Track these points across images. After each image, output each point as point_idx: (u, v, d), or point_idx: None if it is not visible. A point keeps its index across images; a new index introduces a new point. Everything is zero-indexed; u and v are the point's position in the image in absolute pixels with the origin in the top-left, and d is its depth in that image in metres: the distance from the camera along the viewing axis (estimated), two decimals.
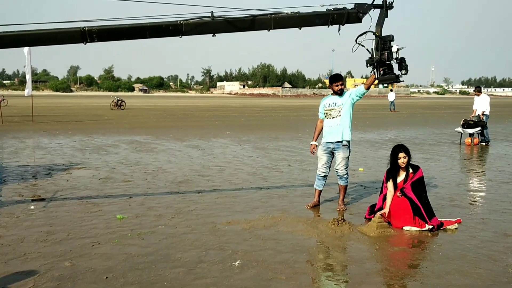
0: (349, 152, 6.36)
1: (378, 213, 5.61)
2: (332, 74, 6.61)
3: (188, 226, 5.55)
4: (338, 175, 6.40)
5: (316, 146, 6.56)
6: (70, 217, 5.91)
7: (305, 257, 4.55)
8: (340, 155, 6.29)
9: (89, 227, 5.46)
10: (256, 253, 4.64)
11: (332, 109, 6.32)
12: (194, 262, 4.41)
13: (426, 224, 5.41)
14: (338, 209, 6.37)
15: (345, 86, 6.34)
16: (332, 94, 6.42)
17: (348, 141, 6.30)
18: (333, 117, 6.30)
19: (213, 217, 5.93)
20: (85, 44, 5.35)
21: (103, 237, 5.11)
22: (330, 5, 5.78)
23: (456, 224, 5.59)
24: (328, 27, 5.85)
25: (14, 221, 5.69)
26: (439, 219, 5.57)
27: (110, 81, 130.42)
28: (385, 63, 5.81)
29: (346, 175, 6.38)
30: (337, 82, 6.31)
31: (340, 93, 6.30)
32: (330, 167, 6.48)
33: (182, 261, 4.43)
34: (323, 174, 6.46)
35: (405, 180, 5.70)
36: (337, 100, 6.32)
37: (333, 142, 6.30)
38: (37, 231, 5.29)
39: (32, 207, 6.35)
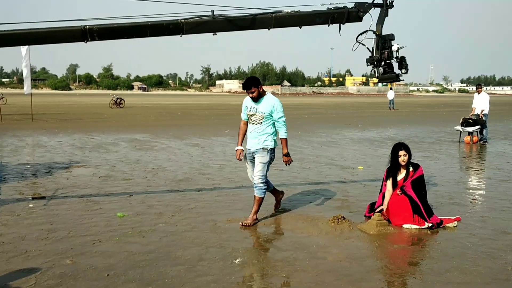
0: (270, 158, 5.61)
1: (377, 209, 5.64)
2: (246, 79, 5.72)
3: (189, 224, 5.57)
4: (253, 183, 5.69)
5: (243, 151, 5.80)
6: (71, 215, 5.93)
7: (305, 255, 4.57)
8: (257, 159, 5.58)
9: (90, 225, 5.47)
10: (257, 251, 4.66)
11: (254, 114, 5.61)
12: (195, 260, 4.44)
13: (426, 222, 5.43)
14: (241, 223, 5.53)
15: (261, 90, 5.55)
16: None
17: (270, 148, 5.60)
18: (253, 123, 5.63)
19: (213, 215, 5.95)
20: (86, 42, 5.37)
21: (104, 235, 5.12)
22: (330, 4, 5.80)
23: (456, 222, 5.61)
24: (329, 26, 5.87)
25: (15, 219, 5.70)
26: (439, 217, 5.60)
27: (109, 79, 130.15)
28: (385, 62, 5.84)
29: (261, 185, 5.56)
30: (248, 89, 5.52)
31: (254, 100, 5.56)
32: None
33: (182, 259, 4.45)
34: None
35: (405, 178, 5.73)
36: (258, 106, 5.58)
37: (254, 149, 5.64)
38: (38, 229, 5.31)
39: (33, 205, 6.36)
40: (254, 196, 5.60)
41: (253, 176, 5.64)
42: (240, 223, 5.52)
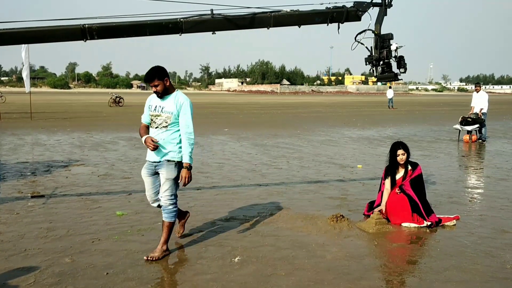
0: (178, 172, 4.51)
1: (376, 209, 5.65)
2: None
3: (188, 222, 5.55)
4: (161, 205, 4.61)
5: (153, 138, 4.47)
6: (70, 213, 5.93)
7: (304, 253, 4.58)
8: (163, 174, 4.49)
9: (89, 224, 5.48)
10: (256, 249, 4.67)
11: (159, 115, 4.49)
12: (194, 258, 4.45)
13: (425, 221, 5.45)
14: (146, 257, 4.40)
15: (168, 85, 4.47)
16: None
17: (178, 161, 4.50)
18: (157, 127, 4.49)
19: (212, 214, 5.95)
20: (85, 41, 5.37)
21: (103, 233, 5.13)
22: (329, 3, 5.81)
23: (454, 220, 5.63)
24: (328, 25, 5.87)
25: (14, 218, 5.70)
26: (438, 216, 5.61)
27: (108, 78, 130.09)
28: (384, 61, 5.85)
29: (171, 207, 4.50)
30: (150, 82, 4.45)
31: (159, 96, 4.50)
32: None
33: (182, 257, 4.46)
34: (156, 204, 4.67)
35: (404, 177, 5.74)
36: (165, 104, 4.48)
37: (155, 162, 4.53)
38: (37, 228, 5.31)
39: (32, 204, 6.36)
40: (163, 221, 4.53)
41: (160, 196, 4.54)
42: (145, 257, 4.40)
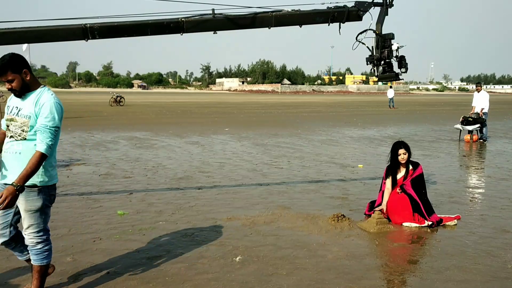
0: (44, 201, 3.35)
1: (377, 209, 5.66)
2: None
3: (189, 222, 5.58)
4: (6, 242, 3.49)
5: None
6: (71, 213, 5.93)
7: (305, 253, 4.58)
8: (21, 205, 3.31)
9: (90, 223, 5.48)
10: (257, 249, 4.67)
11: (13, 120, 3.34)
12: (195, 257, 4.45)
13: (426, 220, 5.45)
14: None
15: (29, 79, 3.32)
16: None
17: (44, 186, 3.34)
18: (11, 136, 3.34)
19: (213, 213, 5.96)
20: (87, 41, 5.38)
21: (104, 232, 5.13)
22: (330, 3, 5.83)
23: (455, 220, 5.63)
24: (329, 25, 5.89)
25: None
26: (439, 215, 5.62)
27: (109, 77, 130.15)
28: (385, 61, 5.86)
29: (40, 246, 3.40)
30: (1, 76, 3.27)
31: (17, 94, 3.35)
32: (14, 223, 3.49)
33: (183, 257, 4.46)
34: (1, 240, 3.46)
35: (405, 177, 5.74)
36: (24, 105, 3.33)
37: (7, 185, 3.22)
38: None
39: None
40: (31, 265, 3.48)
41: (24, 234, 3.41)
42: None
